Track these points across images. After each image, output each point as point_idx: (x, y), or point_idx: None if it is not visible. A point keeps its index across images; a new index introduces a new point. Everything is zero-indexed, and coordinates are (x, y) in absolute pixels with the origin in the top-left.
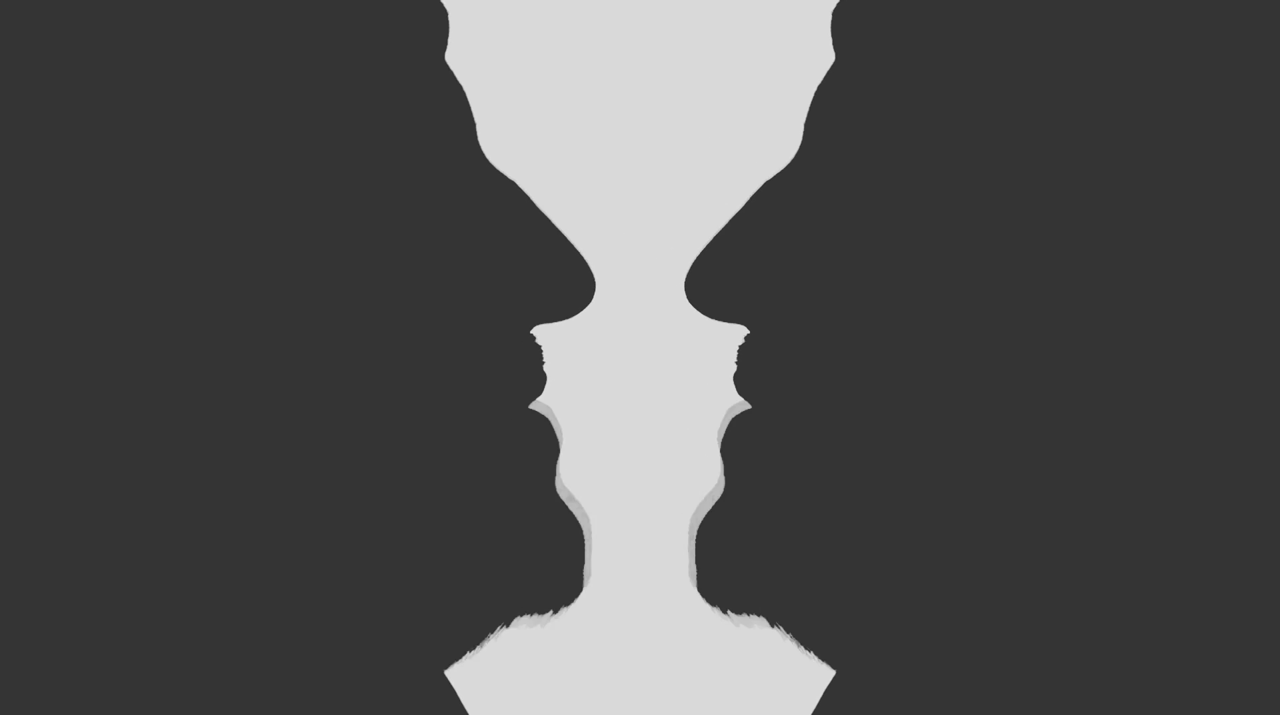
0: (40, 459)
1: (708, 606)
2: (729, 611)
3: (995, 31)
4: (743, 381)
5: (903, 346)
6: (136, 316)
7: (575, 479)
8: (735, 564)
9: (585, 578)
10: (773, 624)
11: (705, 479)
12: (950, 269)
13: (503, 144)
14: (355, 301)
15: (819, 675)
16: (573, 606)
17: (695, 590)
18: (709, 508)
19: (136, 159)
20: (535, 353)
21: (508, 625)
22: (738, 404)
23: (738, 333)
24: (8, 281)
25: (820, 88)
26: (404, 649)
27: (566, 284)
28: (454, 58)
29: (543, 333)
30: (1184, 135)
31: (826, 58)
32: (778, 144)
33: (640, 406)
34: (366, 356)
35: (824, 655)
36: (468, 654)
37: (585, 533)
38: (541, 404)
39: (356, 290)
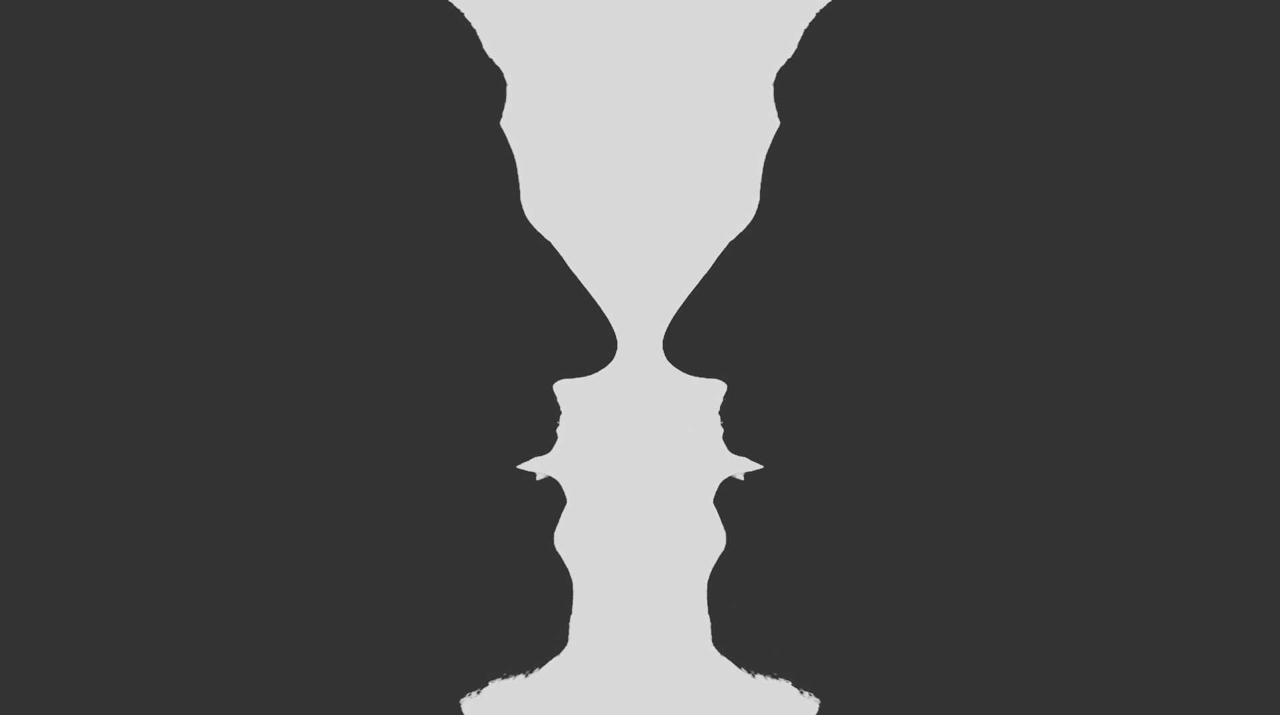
0: (39, 463)
1: (720, 658)
2: (741, 665)
3: (924, 85)
4: (731, 438)
5: (876, 384)
6: (165, 336)
7: (573, 535)
8: (741, 616)
9: (569, 633)
10: (781, 675)
11: (709, 540)
12: (908, 309)
13: (542, 206)
14: (381, 344)
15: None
16: (559, 659)
17: (710, 644)
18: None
19: (166, 184)
20: (552, 407)
21: (487, 684)
22: (736, 466)
23: (717, 388)
24: (7, 281)
25: (770, 151)
26: (393, 688)
27: (591, 342)
28: (508, 124)
29: (562, 388)
30: (1156, 158)
31: (772, 123)
32: (738, 206)
33: (640, 464)
34: (388, 396)
35: (824, 696)
36: (461, 698)
37: (574, 588)
38: (546, 461)
39: (384, 333)
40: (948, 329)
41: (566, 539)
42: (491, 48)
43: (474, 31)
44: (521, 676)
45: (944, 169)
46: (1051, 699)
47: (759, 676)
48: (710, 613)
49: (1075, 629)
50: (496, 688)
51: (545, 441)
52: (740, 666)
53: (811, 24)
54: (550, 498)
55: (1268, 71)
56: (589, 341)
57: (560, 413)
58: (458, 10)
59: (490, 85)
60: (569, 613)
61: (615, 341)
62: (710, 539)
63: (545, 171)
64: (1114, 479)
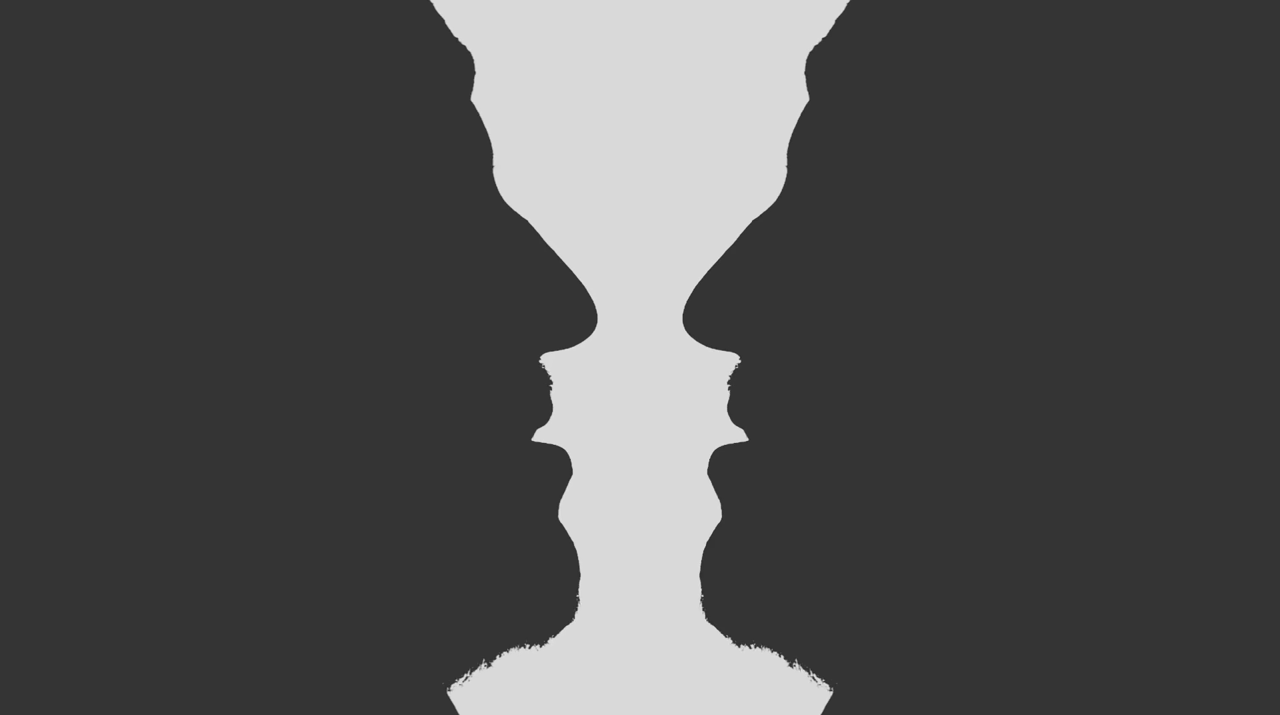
0: (39, 463)
1: (711, 629)
2: (731, 635)
3: (961, 66)
4: (735, 409)
5: (891, 368)
6: (157, 335)
7: (577, 505)
8: (735, 587)
9: (579, 600)
10: (773, 647)
11: (705, 509)
12: (932, 294)
13: (517, 182)
14: (366, 325)
15: (817, 696)
16: (570, 628)
17: (701, 614)
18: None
19: (154, 177)
20: (543, 378)
21: (505, 651)
22: (731, 435)
23: (730, 360)
24: (7, 281)
25: (797, 128)
26: (403, 667)
27: (571, 315)
28: (479, 99)
29: (549, 360)
30: (1170, 162)
31: (801, 99)
32: (765, 182)
33: (639, 433)
34: (376, 379)
35: (822, 674)
36: (469, 672)
37: (580, 557)
38: (548, 432)
39: (368, 314)
40: (964, 313)
41: (572, 510)
42: (478, 20)
43: (435, 11)
44: (536, 648)
45: (970, 154)
46: (1045, 670)
47: (749, 648)
48: (703, 583)
49: (1070, 602)
50: (507, 659)
51: (542, 412)
52: (728, 637)
53: (846, 9)
54: (550, 470)
55: (1269, 71)
56: (569, 314)
57: (550, 384)
58: None
59: (458, 62)
60: (577, 581)
61: (595, 313)
62: (707, 510)
63: (527, 147)
64: (1111, 460)
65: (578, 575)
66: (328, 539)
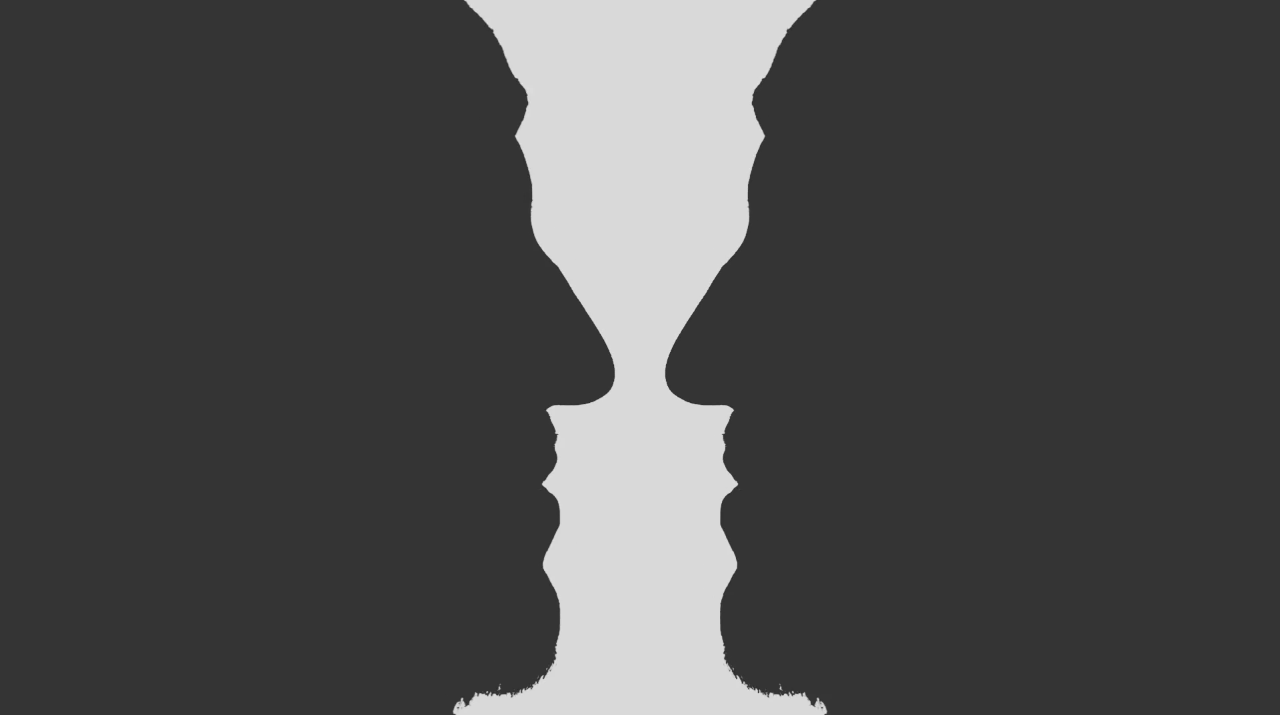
0: (39, 463)
1: (733, 677)
2: (755, 685)
3: (909, 94)
4: (732, 461)
5: (878, 397)
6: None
7: (566, 556)
8: (754, 636)
9: (554, 654)
10: (793, 690)
11: (711, 560)
12: (914, 321)
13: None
14: (380, 357)
15: None
16: (546, 678)
17: (725, 663)
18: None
19: (166, 188)
20: (548, 430)
21: (477, 695)
22: (729, 485)
23: (721, 414)
24: (7, 281)
25: (755, 167)
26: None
27: (590, 371)
28: (524, 135)
29: (560, 414)
30: (1171, 173)
31: (756, 136)
32: (727, 228)
33: (641, 488)
34: (384, 410)
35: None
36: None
37: (560, 608)
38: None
39: (383, 346)
40: (947, 342)
41: (559, 559)
42: (518, 61)
43: (496, 44)
44: (508, 696)
45: (930, 181)
46: (1049, 681)
47: (775, 695)
48: (724, 634)
49: (1083, 645)
50: (482, 703)
51: (545, 463)
52: (745, 683)
53: (785, 40)
54: (544, 518)
55: (1270, 71)
56: (588, 370)
57: (556, 436)
58: (479, 20)
59: (509, 99)
60: (556, 633)
61: (613, 371)
62: (713, 560)
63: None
64: (1113, 476)
65: (557, 629)
66: (311, 570)
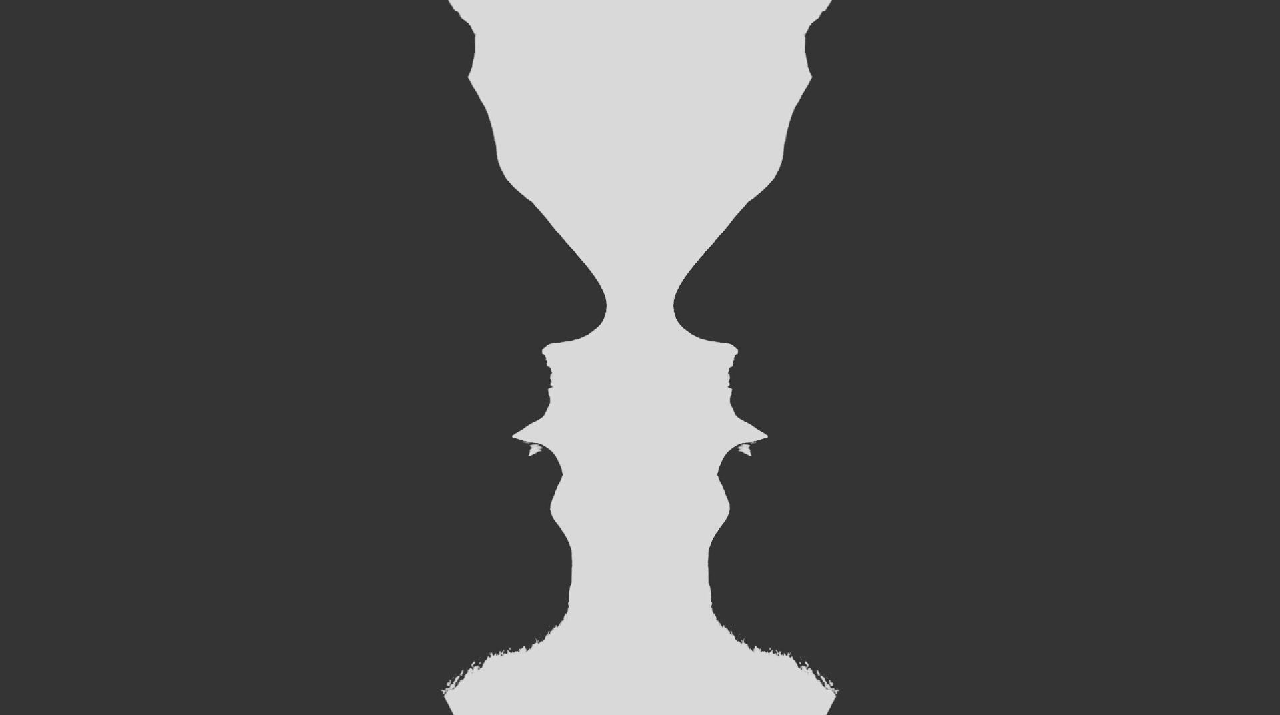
0: (37, 464)
1: (714, 630)
2: (743, 638)
3: (966, 45)
4: (739, 403)
5: (891, 357)
6: (137, 326)
7: (574, 502)
8: (744, 588)
9: (569, 600)
10: (781, 649)
11: (712, 505)
12: (932, 279)
13: (521, 163)
14: (365, 314)
15: (821, 698)
16: (568, 629)
17: (702, 615)
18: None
19: (146, 162)
20: (543, 372)
21: (496, 652)
22: (743, 433)
23: (728, 353)
24: (7, 281)
25: (798, 107)
26: (396, 668)
27: (579, 304)
28: (478, 77)
29: (553, 352)
30: (1179, 155)
31: (803, 78)
32: (759, 164)
33: (644, 429)
34: (373, 369)
35: (829, 676)
36: (460, 674)
37: (577, 557)
38: (542, 427)
39: (367, 303)
40: (967, 300)
41: (565, 509)
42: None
43: None
44: (522, 650)
45: (984, 138)
46: (1052, 670)
47: (759, 651)
48: (711, 582)
49: (1082, 611)
50: (498, 661)
51: (537, 407)
52: (740, 639)
53: None
54: (547, 467)
55: (1272, 72)
56: (576, 303)
57: (550, 376)
58: None
59: (458, 38)
60: (568, 583)
61: (604, 303)
62: (713, 508)
63: (531, 127)
64: (1116, 459)
65: (569, 577)
66: (314, 534)
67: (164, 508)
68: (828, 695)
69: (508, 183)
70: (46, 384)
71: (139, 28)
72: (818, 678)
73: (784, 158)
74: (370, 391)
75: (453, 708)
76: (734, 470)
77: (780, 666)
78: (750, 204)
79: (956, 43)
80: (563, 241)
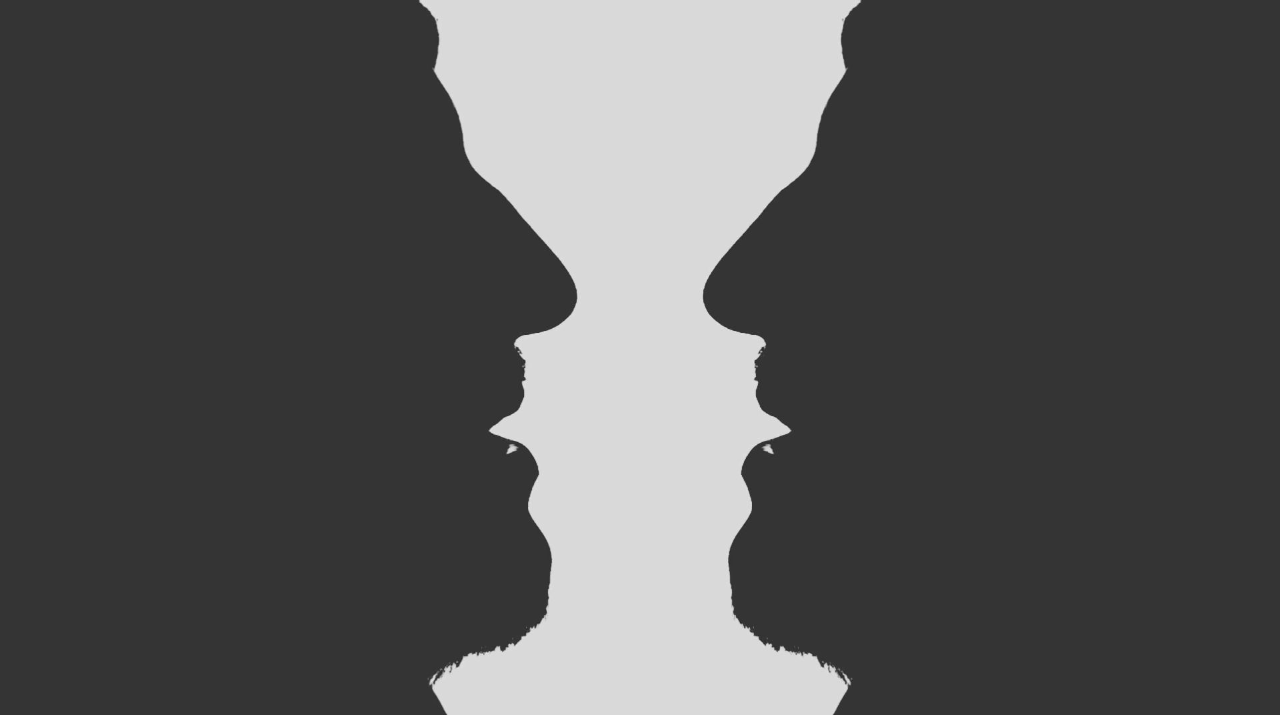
0: (34, 464)
1: (738, 625)
2: (759, 634)
3: (1002, 38)
4: (765, 396)
5: (917, 351)
6: (118, 322)
7: (552, 499)
8: (760, 582)
9: (549, 599)
10: (792, 645)
11: (735, 503)
12: (963, 275)
13: (489, 154)
14: (335, 308)
15: (833, 690)
16: (539, 628)
17: (730, 611)
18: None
19: (117, 160)
20: (516, 364)
21: (471, 652)
22: (767, 427)
23: (754, 344)
24: (7, 281)
25: (832, 99)
26: (373, 665)
27: (549, 294)
28: (443, 69)
29: (524, 343)
30: (1209, 140)
31: (838, 69)
32: (791, 154)
33: (641, 419)
34: (343, 366)
35: (841, 668)
36: (441, 669)
37: (552, 554)
38: (518, 421)
39: (335, 298)
40: (1000, 295)
41: (542, 506)
42: None
43: None
44: (498, 651)
45: (1018, 132)
46: (1066, 666)
47: (775, 648)
48: (732, 581)
49: (1108, 612)
50: (473, 662)
51: (512, 401)
52: (760, 637)
53: None
54: (524, 465)
55: (1271, 72)
56: (546, 293)
57: (524, 368)
58: None
59: (416, 28)
60: (547, 582)
61: (575, 292)
62: (733, 505)
63: (499, 117)
64: (1146, 457)
65: (548, 577)
66: (287, 533)
67: (139, 505)
68: (839, 688)
69: (475, 173)
70: (44, 385)
71: (98, 26)
72: (841, 677)
73: (816, 149)
74: (341, 389)
75: (442, 701)
76: (756, 468)
77: (780, 667)
78: (781, 194)
79: (988, 37)
80: (531, 231)
